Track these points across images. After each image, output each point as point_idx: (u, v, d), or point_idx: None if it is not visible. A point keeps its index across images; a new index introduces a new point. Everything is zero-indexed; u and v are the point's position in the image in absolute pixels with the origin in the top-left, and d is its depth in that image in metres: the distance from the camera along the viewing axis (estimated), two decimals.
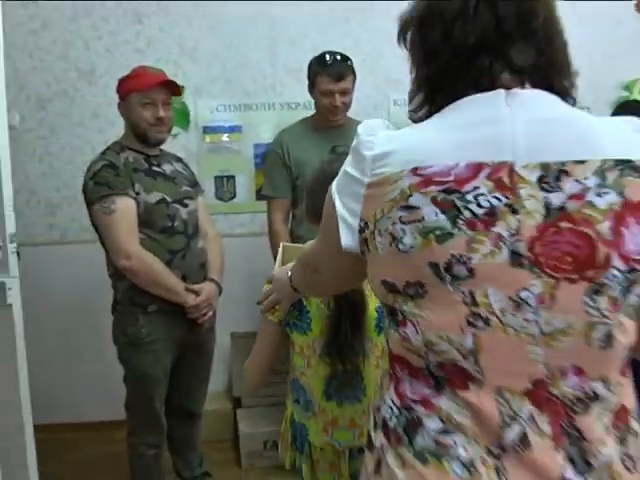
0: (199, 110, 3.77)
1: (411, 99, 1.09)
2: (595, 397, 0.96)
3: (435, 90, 1.05)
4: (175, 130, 3.38)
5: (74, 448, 3.59)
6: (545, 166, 0.93)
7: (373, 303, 1.67)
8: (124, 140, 2.60)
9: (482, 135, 0.96)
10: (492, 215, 0.92)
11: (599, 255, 0.91)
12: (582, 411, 0.95)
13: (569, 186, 0.92)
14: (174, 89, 2.57)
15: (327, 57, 2.93)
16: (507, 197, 0.92)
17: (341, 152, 2.64)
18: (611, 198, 0.91)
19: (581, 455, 0.95)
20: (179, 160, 2.79)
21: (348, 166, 1.05)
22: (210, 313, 2.62)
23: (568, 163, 0.93)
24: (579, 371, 0.95)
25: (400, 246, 0.96)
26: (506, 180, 0.93)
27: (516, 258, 0.92)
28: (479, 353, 0.95)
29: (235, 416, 3.64)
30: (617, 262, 0.91)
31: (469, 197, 0.93)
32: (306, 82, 3.11)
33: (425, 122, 1.03)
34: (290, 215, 3.14)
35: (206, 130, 3.80)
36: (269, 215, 3.12)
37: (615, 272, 0.91)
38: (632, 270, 0.91)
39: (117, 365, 2.64)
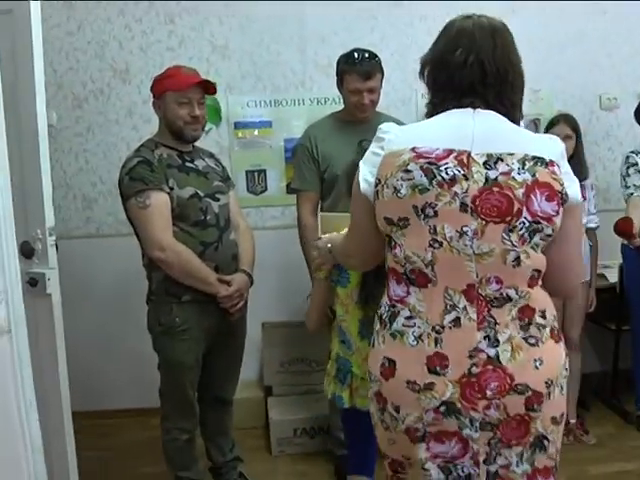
0: (230, 106, 3.87)
1: (426, 110, 1.66)
2: (508, 298, 1.51)
3: (436, 107, 1.61)
4: (207, 126, 3.45)
5: (112, 435, 3.71)
6: (489, 155, 1.49)
7: None
8: (158, 137, 2.69)
9: (454, 133, 1.53)
10: (453, 180, 1.47)
11: (514, 208, 1.46)
12: (498, 306, 1.50)
13: (501, 167, 1.48)
14: (209, 88, 2.66)
15: (355, 55, 2.96)
16: (464, 170, 1.48)
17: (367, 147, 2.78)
18: (526, 176, 1.47)
19: (494, 335, 1.49)
20: (211, 156, 2.87)
21: (373, 148, 1.61)
22: (241, 303, 2.70)
23: (503, 154, 1.49)
24: (498, 280, 1.50)
25: (398, 194, 1.51)
26: (465, 160, 1.48)
27: (463, 207, 1.47)
28: (435, 264, 1.51)
29: (266, 404, 3.73)
30: (526, 214, 1.47)
31: (442, 168, 1.48)
32: (335, 78, 3.16)
33: (423, 121, 1.62)
34: (319, 207, 3.21)
35: (237, 125, 3.90)
36: (298, 208, 3.19)
37: (524, 220, 1.47)
38: (535, 222, 1.47)
39: (153, 354, 2.73)
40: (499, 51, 1.55)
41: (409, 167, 1.49)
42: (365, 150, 1.89)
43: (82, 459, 2.44)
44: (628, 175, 3.54)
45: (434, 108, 1.61)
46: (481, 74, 1.54)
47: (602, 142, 4.22)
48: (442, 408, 1.49)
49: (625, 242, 3.52)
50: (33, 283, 2.29)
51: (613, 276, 3.81)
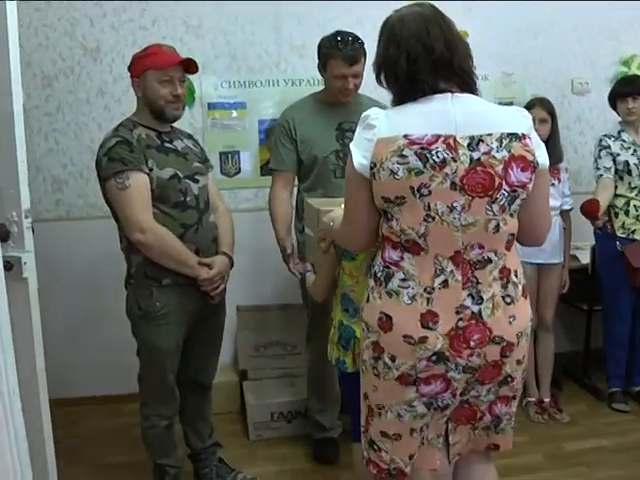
0: (204, 87, 3.81)
1: (392, 100, 1.81)
2: (489, 261, 1.73)
3: (402, 100, 1.76)
4: None
5: (83, 422, 3.67)
6: (471, 137, 1.67)
7: None
8: (136, 117, 2.61)
9: (438, 119, 1.69)
10: (444, 162, 1.66)
11: (495, 183, 1.67)
12: (480, 268, 1.73)
13: (482, 148, 1.67)
14: (190, 66, 2.60)
15: (340, 39, 2.89)
16: (452, 153, 1.66)
17: (347, 129, 3.02)
18: (504, 153, 1.67)
19: (477, 293, 1.72)
20: (190, 137, 2.81)
21: (363, 133, 1.75)
22: (223, 286, 2.67)
23: (483, 135, 1.67)
24: (480, 246, 1.72)
25: (395, 177, 1.67)
26: (452, 144, 1.66)
27: (453, 185, 1.66)
28: (427, 236, 1.70)
29: (241, 388, 3.72)
30: (505, 187, 1.68)
31: (433, 152, 1.65)
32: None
33: (404, 106, 1.74)
34: (296, 189, 3.20)
35: (211, 106, 3.84)
36: (272, 185, 3.16)
37: (503, 192, 1.69)
38: (513, 191, 1.70)
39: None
40: (425, 32, 1.70)
41: (404, 152, 1.66)
42: (345, 132, 1.97)
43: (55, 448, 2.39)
44: (600, 157, 3.60)
45: (400, 101, 1.77)
46: (430, 65, 1.70)
47: (574, 126, 4.27)
48: (433, 357, 1.73)
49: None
50: (8, 267, 2.21)
51: (585, 257, 3.88)
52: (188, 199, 2.59)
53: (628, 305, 3.64)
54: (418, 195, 1.67)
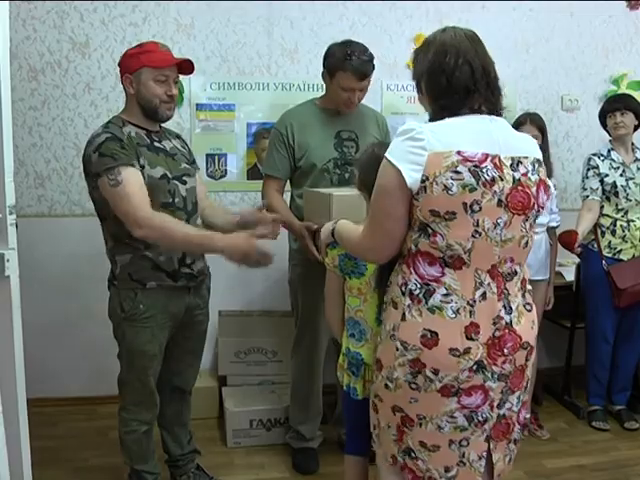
0: (193, 87, 3.76)
1: (432, 117, 1.87)
2: (515, 273, 1.86)
3: (444, 110, 1.82)
4: None
5: (58, 423, 3.60)
6: (513, 158, 1.79)
7: None
8: (125, 114, 2.55)
9: (484, 139, 1.77)
10: (493, 181, 1.74)
11: (531, 203, 1.81)
12: (509, 280, 1.85)
13: (522, 169, 1.80)
14: (184, 68, 2.55)
15: (351, 51, 2.83)
16: (499, 172, 1.75)
17: (346, 137, 3.03)
18: (536, 177, 1.83)
19: (508, 304, 1.83)
20: (178, 137, 2.76)
21: (408, 146, 1.74)
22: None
23: (521, 157, 1.81)
24: (512, 260, 1.84)
25: (449, 192, 1.71)
26: (498, 164, 1.76)
27: (499, 203, 1.75)
28: (472, 251, 1.77)
29: (220, 394, 3.66)
30: (535, 206, 1.83)
31: (484, 170, 1.73)
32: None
33: (446, 122, 1.79)
34: (292, 194, 3.16)
35: (199, 108, 3.79)
36: (263, 189, 3.11)
37: (534, 211, 1.83)
38: (537, 211, 1.85)
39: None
40: (480, 51, 1.82)
41: (458, 169, 1.71)
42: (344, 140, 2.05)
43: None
44: (587, 177, 3.61)
45: (442, 111, 1.82)
46: (471, 73, 1.78)
47: (562, 142, 4.29)
48: (474, 367, 1.80)
49: (585, 242, 3.59)
50: None
51: (569, 274, 3.87)
52: (176, 200, 2.53)
53: (611, 324, 3.64)
54: (470, 211, 1.73)
